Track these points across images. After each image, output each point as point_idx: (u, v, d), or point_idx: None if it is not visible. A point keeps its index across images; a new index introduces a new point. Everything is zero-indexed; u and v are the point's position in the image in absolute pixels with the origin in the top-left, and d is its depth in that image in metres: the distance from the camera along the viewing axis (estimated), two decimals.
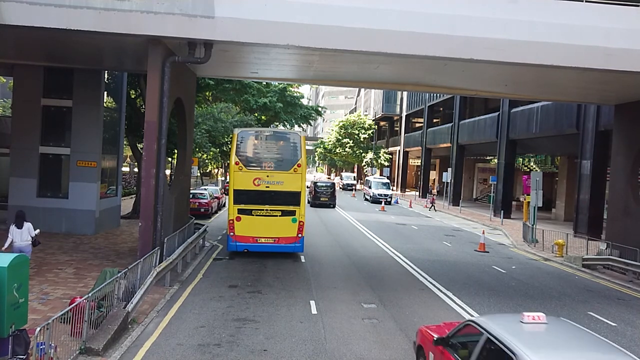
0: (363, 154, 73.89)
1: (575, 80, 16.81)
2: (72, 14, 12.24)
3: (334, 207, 38.69)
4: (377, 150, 72.23)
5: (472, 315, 12.06)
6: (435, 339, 7.42)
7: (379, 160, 70.17)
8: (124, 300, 10.15)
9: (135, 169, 38.28)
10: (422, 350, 8.15)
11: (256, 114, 42.53)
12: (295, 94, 45.63)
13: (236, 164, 17.23)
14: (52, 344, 7.43)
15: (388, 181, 50.74)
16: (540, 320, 6.55)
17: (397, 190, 63.76)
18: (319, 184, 40.51)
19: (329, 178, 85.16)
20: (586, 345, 6.07)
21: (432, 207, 41.45)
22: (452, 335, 7.28)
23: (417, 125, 64.48)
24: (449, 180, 44.31)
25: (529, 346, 5.68)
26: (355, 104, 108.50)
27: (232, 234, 17.11)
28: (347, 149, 74.85)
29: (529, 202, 25.31)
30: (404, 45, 13.30)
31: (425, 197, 52.19)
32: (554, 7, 13.48)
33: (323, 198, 38.20)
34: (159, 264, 12.51)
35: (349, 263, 17.74)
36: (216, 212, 31.53)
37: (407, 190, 65.71)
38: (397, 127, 73.57)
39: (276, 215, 17.21)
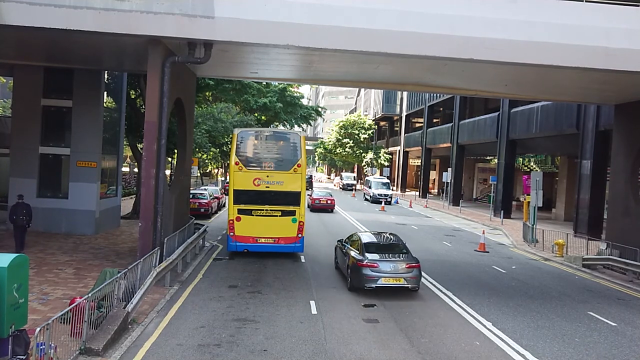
0: (363, 154, 73.84)
1: (575, 80, 16.81)
2: (72, 14, 12.24)
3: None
4: (377, 150, 72.21)
5: (472, 316, 12.07)
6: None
7: (379, 160, 70.13)
8: (124, 301, 10.14)
9: (135, 169, 38.29)
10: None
11: (256, 114, 42.53)
12: (295, 94, 45.59)
13: (236, 164, 17.23)
14: (52, 344, 7.42)
15: (388, 181, 50.70)
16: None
17: (397, 190, 63.75)
18: None
19: (328, 178, 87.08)
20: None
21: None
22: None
23: (417, 125, 64.46)
24: (449, 180, 44.28)
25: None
26: (355, 104, 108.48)
27: (232, 234, 17.10)
28: (347, 149, 74.80)
29: (529, 202, 25.31)
30: (404, 45, 13.30)
31: (425, 198, 52.12)
32: (554, 7, 13.48)
33: None
34: (159, 264, 12.51)
35: None
36: (216, 212, 31.52)
37: (407, 190, 65.70)
38: (397, 127, 73.55)
39: (276, 216, 17.21)
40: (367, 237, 14.85)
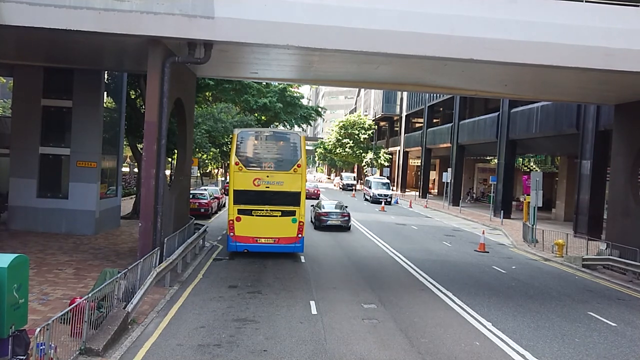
0: (363, 154, 73.83)
1: (575, 80, 16.81)
2: (72, 15, 12.25)
3: None
4: (377, 150, 72.19)
5: (472, 316, 12.08)
6: None
7: (379, 161, 70.11)
8: (124, 301, 10.14)
9: (135, 169, 38.28)
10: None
11: (256, 114, 42.51)
12: (295, 94, 45.54)
13: (236, 164, 17.23)
14: (52, 345, 7.42)
15: (388, 181, 50.69)
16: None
17: (397, 191, 63.75)
18: None
19: (328, 178, 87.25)
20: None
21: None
22: None
23: (417, 125, 64.46)
24: (449, 181, 44.28)
25: None
26: (355, 104, 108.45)
27: (232, 234, 17.10)
28: (347, 149, 74.77)
29: (529, 202, 25.31)
30: (404, 45, 13.30)
31: (425, 198, 52.08)
32: (553, 7, 13.49)
33: None
34: (159, 264, 12.51)
35: (349, 263, 17.74)
36: (216, 212, 31.52)
37: (407, 190, 65.70)
38: (397, 127, 73.53)
39: (276, 216, 17.21)
40: (325, 202, 28.00)
